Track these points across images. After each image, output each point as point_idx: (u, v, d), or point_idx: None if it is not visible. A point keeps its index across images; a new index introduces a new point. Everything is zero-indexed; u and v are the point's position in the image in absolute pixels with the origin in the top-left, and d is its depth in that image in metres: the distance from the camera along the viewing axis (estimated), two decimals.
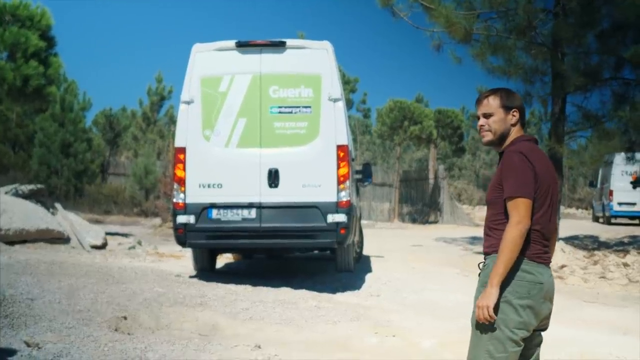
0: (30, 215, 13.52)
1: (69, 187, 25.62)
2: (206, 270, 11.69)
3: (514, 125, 3.91)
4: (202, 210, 10.45)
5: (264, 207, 10.43)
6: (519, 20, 15.67)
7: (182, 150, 10.55)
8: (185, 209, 10.48)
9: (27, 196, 14.63)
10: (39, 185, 15.77)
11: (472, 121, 47.28)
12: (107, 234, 15.85)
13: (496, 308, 3.64)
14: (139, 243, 15.96)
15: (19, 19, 17.19)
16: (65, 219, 14.75)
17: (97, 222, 21.37)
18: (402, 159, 34.32)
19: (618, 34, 16.19)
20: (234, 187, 10.47)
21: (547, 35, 16.25)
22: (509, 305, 3.66)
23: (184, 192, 10.50)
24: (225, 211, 10.46)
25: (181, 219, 10.49)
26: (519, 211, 3.65)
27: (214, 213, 10.47)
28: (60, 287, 8.62)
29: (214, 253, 12.07)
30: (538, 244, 3.74)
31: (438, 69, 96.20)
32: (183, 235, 10.54)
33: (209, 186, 10.49)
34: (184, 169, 10.51)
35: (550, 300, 3.81)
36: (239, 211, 10.44)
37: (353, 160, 11.95)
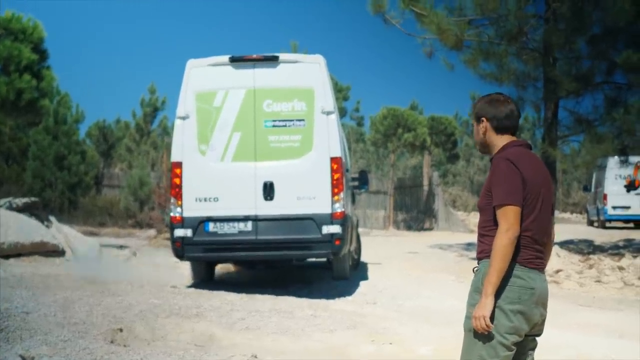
0: (24, 228, 13.48)
1: (63, 199, 25.56)
2: (204, 281, 11.73)
3: (485, 134, 3.90)
4: (199, 224, 10.63)
5: (259, 220, 10.63)
6: (510, 26, 15.73)
7: (179, 164, 10.73)
8: (183, 222, 10.65)
9: (21, 209, 14.59)
10: (33, 198, 15.74)
11: (466, 127, 47.46)
12: (102, 245, 15.81)
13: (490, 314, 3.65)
14: (134, 254, 15.92)
15: (12, 32, 17.20)
16: (59, 232, 14.72)
17: (92, 234, 21.30)
18: (396, 167, 34.35)
19: (609, 38, 16.27)
20: (230, 201, 10.64)
21: (538, 41, 16.33)
22: (500, 311, 3.66)
23: (181, 206, 10.67)
24: (222, 224, 10.64)
25: (178, 232, 10.66)
26: (508, 219, 3.65)
27: (211, 226, 10.64)
28: (55, 300, 8.60)
29: (212, 264, 12.15)
30: (530, 249, 3.74)
31: (431, 76, 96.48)
32: (181, 249, 10.72)
33: (205, 200, 10.67)
34: (181, 183, 10.69)
35: (544, 306, 3.80)
36: (236, 224, 10.63)
37: (347, 171, 12.05)
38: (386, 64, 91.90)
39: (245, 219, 10.62)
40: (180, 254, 10.87)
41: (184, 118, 10.80)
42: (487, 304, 3.62)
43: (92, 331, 7.26)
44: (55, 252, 13.75)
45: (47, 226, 14.69)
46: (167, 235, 21.60)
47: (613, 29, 15.95)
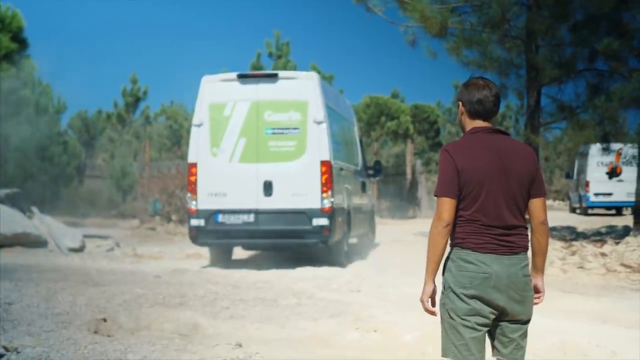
0: (6, 219, 13.40)
1: (45, 190, 25.40)
2: (222, 263, 13.22)
3: (462, 117, 3.91)
4: (210, 215, 12.51)
5: (260, 213, 12.47)
6: (493, 14, 15.74)
7: (194, 165, 12.66)
8: (197, 214, 12.57)
9: (3, 200, 14.49)
10: (14, 190, 15.63)
11: (449, 115, 47.44)
12: (85, 236, 15.73)
13: (446, 298, 3.77)
14: (117, 245, 15.86)
15: None
16: (42, 223, 14.64)
17: (75, 224, 21.19)
18: (380, 155, 34.28)
19: (591, 25, 16.28)
20: (236, 196, 12.47)
21: (521, 28, 16.35)
22: (455, 295, 3.74)
23: (196, 200, 12.60)
24: (229, 216, 12.50)
25: (194, 222, 12.62)
26: (438, 209, 3.76)
27: (220, 217, 12.52)
28: (38, 291, 8.56)
29: (229, 248, 13.83)
30: (484, 235, 3.74)
31: (414, 64, 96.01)
32: (195, 236, 12.68)
33: (215, 195, 12.54)
34: (196, 181, 12.60)
35: (510, 290, 3.74)
36: (240, 216, 12.48)
37: (341, 170, 13.45)
38: (369, 53, 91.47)
39: (248, 211, 12.45)
40: (195, 240, 12.76)
41: (198, 125, 12.65)
42: (424, 289, 3.82)
43: (75, 321, 7.23)
44: (37, 242, 13.69)
45: (29, 217, 14.61)
46: (150, 225, 21.70)
47: (595, 16, 15.97)
